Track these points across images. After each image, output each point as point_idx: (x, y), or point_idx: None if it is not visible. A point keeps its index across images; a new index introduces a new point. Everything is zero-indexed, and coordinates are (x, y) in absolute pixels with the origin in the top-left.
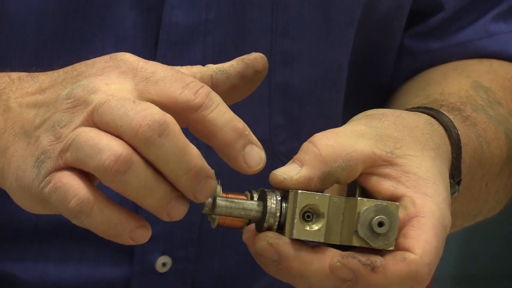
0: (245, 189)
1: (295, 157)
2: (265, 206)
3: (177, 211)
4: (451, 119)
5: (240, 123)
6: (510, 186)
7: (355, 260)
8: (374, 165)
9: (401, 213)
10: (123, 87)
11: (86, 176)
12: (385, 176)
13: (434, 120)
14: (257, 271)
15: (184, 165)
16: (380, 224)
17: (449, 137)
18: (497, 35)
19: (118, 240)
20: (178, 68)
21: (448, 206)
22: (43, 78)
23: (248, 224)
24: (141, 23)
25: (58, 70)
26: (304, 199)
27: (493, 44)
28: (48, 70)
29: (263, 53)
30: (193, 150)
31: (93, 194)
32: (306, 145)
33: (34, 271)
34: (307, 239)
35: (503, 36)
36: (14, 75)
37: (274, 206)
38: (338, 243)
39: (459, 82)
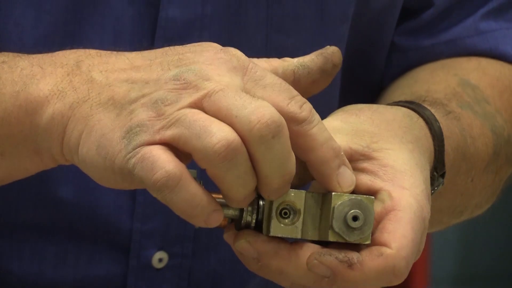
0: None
1: None
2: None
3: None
4: (433, 112)
5: (336, 144)
6: (498, 183)
7: (332, 258)
8: (351, 160)
9: (378, 207)
10: (235, 82)
11: (178, 154)
12: (362, 170)
13: (414, 113)
14: None
15: (283, 170)
16: (355, 218)
17: (430, 129)
18: (486, 33)
19: (193, 221)
20: (256, 60)
21: (426, 198)
22: (133, 56)
23: (230, 222)
24: (138, 19)
25: (151, 50)
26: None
27: (483, 42)
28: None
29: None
30: (293, 157)
31: (181, 169)
32: None
33: (31, 267)
34: (284, 235)
35: (492, 34)
36: (91, 50)
37: (251, 203)
38: (316, 239)
39: (446, 80)
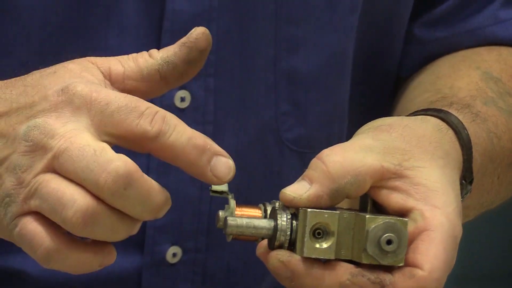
0: (249, 178)
1: (304, 174)
2: (276, 224)
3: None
4: (461, 120)
5: (199, 139)
6: None
7: (364, 279)
8: (383, 178)
9: (411, 226)
10: (80, 125)
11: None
12: (395, 189)
13: (443, 123)
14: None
15: (148, 207)
16: (389, 242)
17: (459, 139)
18: (506, 21)
19: (88, 271)
20: (125, 57)
21: (458, 216)
22: (0, 95)
23: (262, 239)
24: (144, 12)
25: (9, 89)
26: (313, 217)
27: (502, 30)
28: (53, 63)
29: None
30: (155, 189)
31: (58, 241)
32: (314, 162)
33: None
34: (317, 257)
35: None
36: None
37: (285, 224)
38: (349, 258)
39: (468, 75)
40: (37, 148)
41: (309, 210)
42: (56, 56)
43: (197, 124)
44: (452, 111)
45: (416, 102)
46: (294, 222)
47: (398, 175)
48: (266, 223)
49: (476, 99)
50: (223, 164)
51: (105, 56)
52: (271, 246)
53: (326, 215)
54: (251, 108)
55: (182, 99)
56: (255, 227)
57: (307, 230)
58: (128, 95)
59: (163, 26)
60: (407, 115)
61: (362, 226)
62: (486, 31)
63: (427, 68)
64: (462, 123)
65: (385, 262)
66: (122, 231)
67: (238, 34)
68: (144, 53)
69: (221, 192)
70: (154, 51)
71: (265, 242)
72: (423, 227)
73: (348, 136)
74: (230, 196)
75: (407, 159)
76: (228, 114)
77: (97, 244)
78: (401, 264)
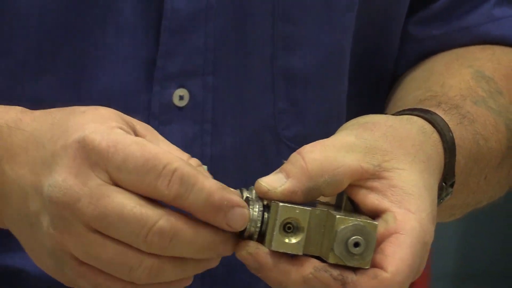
0: (247, 177)
1: (282, 166)
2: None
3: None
4: (447, 121)
5: (216, 196)
6: None
7: (327, 274)
8: (361, 178)
9: (382, 227)
10: (100, 182)
11: None
12: (372, 189)
13: (429, 125)
14: None
15: (197, 250)
16: (356, 244)
17: (443, 141)
18: (500, 19)
19: None
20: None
21: (431, 222)
22: (27, 138)
23: None
24: (142, 11)
25: (44, 122)
26: (284, 212)
27: (497, 28)
28: (50, 63)
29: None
30: (201, 233)
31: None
32: (294, 156)
33: None
34: (285, 251)
35: (507, 20)
36: (6, 117)
37: (256, 214)
38: (317, 255)
39: (460, 73)
40: (65, 209)
41: (280, 204)
42: (54, 55)
43: (196, 123)
44: (439, 112)
45: (407, 100)
46: (266, 214)
47: (377, 176)
48: None
49: (466, 99)
50: (238, 216)
51: (102, 55)
52: (241, 236)
53: (298, 211)
54: (249, 106)
55: (181, 98)
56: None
57: (277, 224)
58: (146, 146)
59: (162, 25)
60: (394, 113)
61: (332, 225)
62: (481, 29)
63: (421, 65)
64: (447, 125)
65: (351, 264)
66: (204, 241)
67: (236, 33)
68: (190, 161)
69: None
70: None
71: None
72: (394, 230)
73: None
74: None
75: (387, 160)
76: (227, 113)
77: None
78: (367, 267)
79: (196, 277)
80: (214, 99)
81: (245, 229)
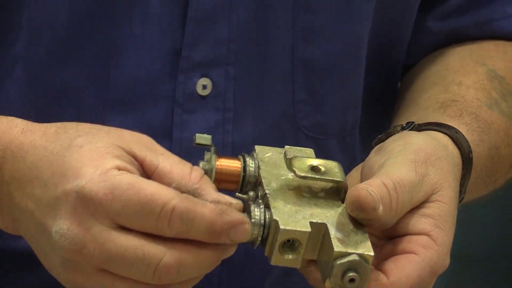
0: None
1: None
2: (249, 218)
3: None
4: (469, 141)
5: (217, 224)
6: None
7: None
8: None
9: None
10: (103, 227)
11: None
12: (422, 214)
13: (453, 145)
14: None
15: (205, 269)
16: (351, 280)
17: (463, 161)
18: None
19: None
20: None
21: (448, 255)
22: (31, 168)
23: None
24: (168, 2)
25: (38, 158)
26: (284, 234)
27: (510, 25)
28: (78, 52)
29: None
30: (207, 254)
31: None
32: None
33: None
34: (283, 265)
35: None
36: (13, 143)
37: (258, 218)
38: (314, 259)
39: (475, 71)
40: (74, 256)
41: (281, 227)
42: (82, 44)
43: (218, 111)
44: (462, 128)
45: (425, 97)
46: (267, 213)
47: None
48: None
49: (482, 104)
50: (240, 233)
51: (128, 44)
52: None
53: (297, 233)
54: (269, 96)
55: (204, 87)
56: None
57: (276, 244)
58: (142, 188)
59: (188, 16)
60: (421, 124)
61: (330, 251)
62: (494, 25)
63: (434, 59)
64: (469, 146)
65: None
66: (208, 261)
67: (257, 23)
68: (193, 174)
69: (205, 144)
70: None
71: None
72: (415, 250)
73: (361, 124)
74: (213, 149)
75: (435, 193)
76: (247, 102)
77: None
78: None
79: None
80: (235, 88)
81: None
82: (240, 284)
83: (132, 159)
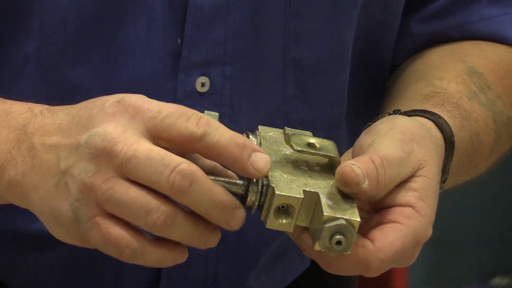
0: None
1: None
2: (247, 185)
3: (213, 241)
4: (451, 126)
5: (240, 138)
6: (499, 155)
7: None
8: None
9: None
10: (137, 132)
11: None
12: (406, 187)
13: (436, 128)
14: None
15: (212, 203)
16: (338, 243)
17: (446, 144)
18: (490, 19)
19: (162, 266)
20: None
21: (431, 226)
22: (62, 116)
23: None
24: (169, 7)
25: (72, 107)
26: (279, 199)
27: (486, 27)
28: (87, 52)
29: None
30: (217, 189)
31: (142, 241)
32: (372, 168)
33: None
34: (277, 229)
35: (495, 19)
36: (36, 108)
37: (259, 188)
38: (306, 226)
39: (455, 68)
40: (102, 153)
41: (276, 193)
42: (90, 45)
43: (215, 106)
44: (445, 114)
45: (410, 91)
46: (264, 182)
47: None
48: (240, 184)
49: (463, 96)
50: (262, 159)
51: (133, 45)
52: (243, 203)
53: (291, 199)
54: (262, 92)
55: (203, 84)
56: (227, 184)
57: (272, 208)
58: (175, 104)
59: (186, 20)
60: (408, 111)
61: (320, 216)
62: (472, 27)
63: (418, 58)
64: (451, 130)
65: (333, 254)
66: (196, 233)
67: (252, 27)
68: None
69: None
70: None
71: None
72: (399, 220)
73: (352, 118)
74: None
75: (421, 168)
76: (242, 98)
77: (170, 243)
78: (347, 253)
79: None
80: (231, 86)
81: (247, 200)
82: (236, 264)
83: None
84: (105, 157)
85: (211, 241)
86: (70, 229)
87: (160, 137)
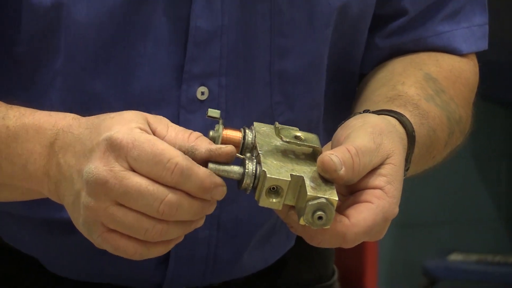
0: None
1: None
2: (244, 171)
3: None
4: (412, 123)
5: (206, 182)
6: (453, 148)
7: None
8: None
9: (368, 195)
10: (122, 168)
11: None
12: (377, 173)
13: (399, 125)
14: (264, 214)
15: (199, 215)
16: (320, 218)
17: (408, 137)
18: (442, 33)
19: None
20: (171, 128)
21: (397, 205)
22: (74, 140)
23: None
24: (173, 29)
25: (85, 128)
26: (270, 181)
27: (439, 40)
28: (105, 67)
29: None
30: (200, 170)
31: (146, 245)
32: (348, 157)
33: None
34: (268, 207)
35: (447, 34)
36: (59, 125)
37: (251, 170)
38: (292, 205)
39: (414, 74)
40: (97, 189)
41: (268, 176)
42: (108, 61)
43: None
44: (407, 113)
45: (376, 94)
46: (258, 168)
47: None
48: (237, 171)
49: (421, 98)
50: (220, 192)
51: (144, 61)
52: (238, 186)
53: (280, 182)
54: (253, 99)
55: (202, 93)
56: (226, 171)
57: (264, 189)
58: (156, 144)
59: (188, 40)
60: (375, 111)
61: (304, 196)
62: (427, 41)
63: (383, 67)
64: (412, 126)
65: (315, 227)
66: (197, 210)
67: (243, 44)
68: (191, 136)
69: (215, 117)
70: (200, 144)
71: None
72: (372, 200)
73: (327, 121)
74: (221, 121)
75: (390, 157)
76: (236, 104)
77: (165, 241)
78: (327, 227)
79: (212, 227)
80: (226, 94)
81: (243, 183)
82: (232, 246)
83: (149, 127)
84: (101, 190)
85: (198, 225)
86: (87, 237)
87: (139, 173)
